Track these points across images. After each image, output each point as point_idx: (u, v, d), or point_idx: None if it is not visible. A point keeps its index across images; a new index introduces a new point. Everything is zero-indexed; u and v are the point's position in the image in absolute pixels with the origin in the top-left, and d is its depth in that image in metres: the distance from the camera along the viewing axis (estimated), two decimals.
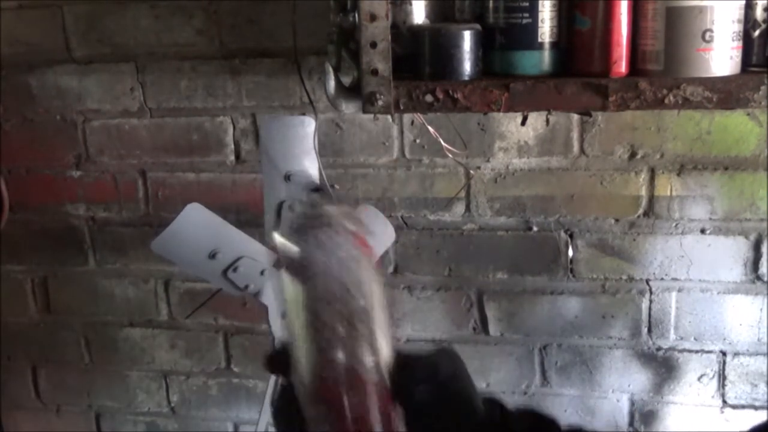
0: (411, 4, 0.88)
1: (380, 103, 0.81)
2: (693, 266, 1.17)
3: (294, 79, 1.19)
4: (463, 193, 1.20)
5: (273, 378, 1.02)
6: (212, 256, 0.94)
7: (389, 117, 1.19)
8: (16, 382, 1.48)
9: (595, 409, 1.26)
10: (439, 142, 1.11)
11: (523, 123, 1.14)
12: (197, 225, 0.94)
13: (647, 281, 1.19)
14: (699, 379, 1.22)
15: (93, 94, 1.27)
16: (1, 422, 1.49)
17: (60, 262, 1.38)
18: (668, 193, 1.14)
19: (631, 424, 1.25)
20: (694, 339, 1.20)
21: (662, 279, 1.18)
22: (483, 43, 0.84)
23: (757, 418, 1.20)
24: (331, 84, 0.89)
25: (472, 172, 1.19)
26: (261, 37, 1.19)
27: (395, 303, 1.28)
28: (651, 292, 1.19)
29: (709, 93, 0.78)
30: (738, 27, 0.79)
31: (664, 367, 1.22)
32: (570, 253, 1.20)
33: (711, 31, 0.78)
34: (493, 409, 0.55)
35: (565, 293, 1.22)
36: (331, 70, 0.88)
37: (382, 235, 1.13)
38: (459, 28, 0.83)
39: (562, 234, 1.20)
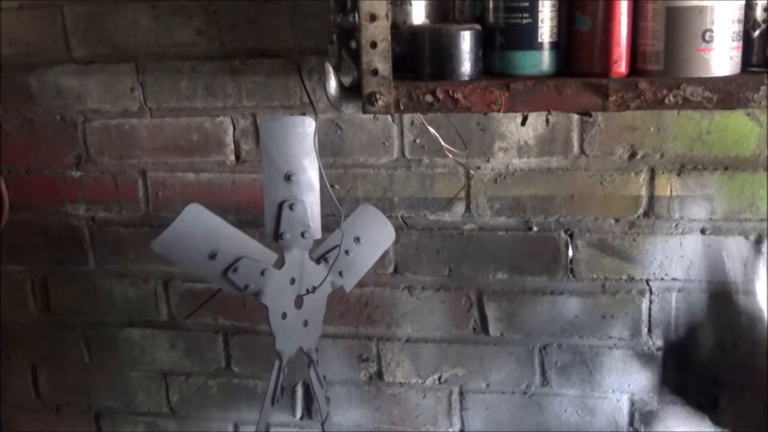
0: (411, 4, 0.88)
1: (380, 103, 0.81)
2: (693, 266, 1.17)
3: (294, 79, 1.19)
4: (463, 193, 1.21)
5: (273, 378, 1.02)
6: (212, 256, 0.94)
7: (389, 117, 1.19)
8: (16, 382, 1.48)
9: (595, 409, 1.26)
10: (439, 142, 1.11)
11: (523, 123, 1.14)
12: (197, 225, 0.94)
13: (647, 281, 1.19)
14: None
15: (93, 94, 1.27)
16: (1, 422, 1.49)
17: (60, 262, 1.38)
18: (668, 193, 1.14)
19: (631, 424, 1.25)
20: None
21: (662, 279, 1.18)
22: (483, 43, 0.84)
23: None
24: (331, 84, 0.88)
25: (472, 172, 1.19)
26: (261, 37, 1.19)
27: (395, 303, 1.28)
28: (651, 292, 1.19)
29: (709, 93, 0.78)
30: (738, 27, 0.79)
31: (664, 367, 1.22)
32: (570, 253, 1.20)
33: (711, 31, 0.78)
34: None
35: (565, 293, 1.22)
36: (331, 70, 0.88)
37: (382, 234, 1.13)
38: (459, 28, 0.83)
39: (562, 234, 1.20)
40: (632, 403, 1.25)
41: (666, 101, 0.79)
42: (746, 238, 1.14)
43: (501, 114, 1.15)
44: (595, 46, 0.81)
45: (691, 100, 0.79)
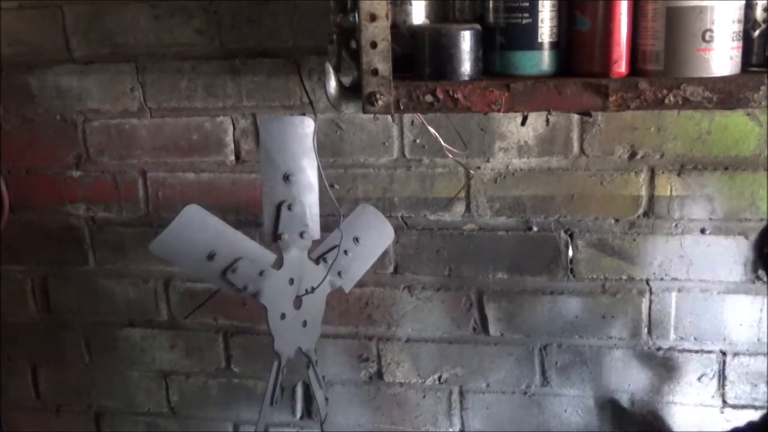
0: (411, 4, 0.88)
1: (380, 103, 0.81)
2: (693, 266, 1.17)
3: (294, 79, 1.19)
4: (463, 193, 1.20)
5: (272, 378, 1.02)
6: (210, 257, 0.94)
7: (389, 117, 1.19)
8: (16, 382, 1.48)
9: (595, 409, 1.26)
10: (439, 142, 1.11)
11: (523, 123, 1.14)
12: (195, 226, 0.94)
13: (647, 281, 1.19)
14: (699, 379, 1.22)
15: (93, 94, 1.27)
16: (1, 422, 1.49)
17: (60, 262, 1.38)
18: (668, 193, 1.14)
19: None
20: (694, 339, 1.20)
21: (662, 279, 1.18)
22: (483, 43, 0.84)
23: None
24: (331, 84, 0.88)
25: (472, 172, 1.19)
26: (261, 37, 1.19)
27: (395, 303, 1.28)
28: (651, 292, 1.19)
29: (709, 93, 0.78)
30: (738, 27, 0.79)
31: (664, 367, 1.22)
32: (570, 253, 1.20)
33: (711, 31, 0.78)
34: None
35: (565, 293, 1.22)
36: (331, 70, 0.88)
37: (381, 234, 1.13)
38: (459, 28, 0.83)
39: (562, 234, 1.20)
40: (632, 403, 1.25)
41: (666, 101, 0.79)
42: (746, 238, 1.14)
43: (501, 114, 1.15)
44: (595, 46, 0.81)
45: (691, 100, 0.79)
